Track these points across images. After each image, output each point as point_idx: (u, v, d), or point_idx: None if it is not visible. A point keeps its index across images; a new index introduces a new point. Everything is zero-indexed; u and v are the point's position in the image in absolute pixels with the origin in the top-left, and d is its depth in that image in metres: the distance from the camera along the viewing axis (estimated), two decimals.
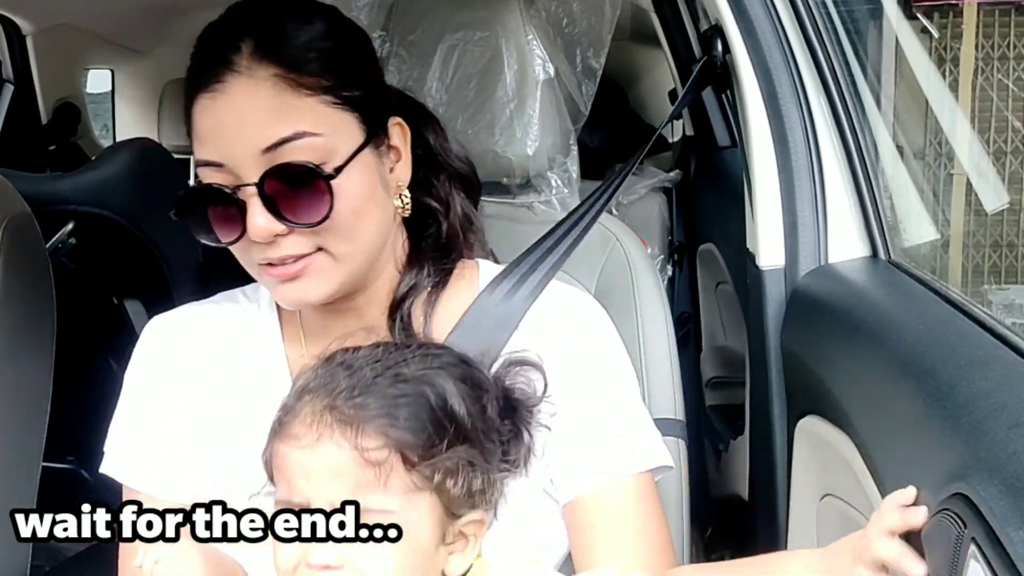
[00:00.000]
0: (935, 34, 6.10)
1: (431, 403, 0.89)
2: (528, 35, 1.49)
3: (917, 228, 1.50)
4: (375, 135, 1.00)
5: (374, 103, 1.01)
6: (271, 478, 0.92)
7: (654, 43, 2.67)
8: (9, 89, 2.46)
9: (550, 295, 1.10)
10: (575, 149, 1.61)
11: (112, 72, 3.11)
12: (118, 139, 3.04)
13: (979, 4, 5.97)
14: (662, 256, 2.58)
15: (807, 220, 1.27)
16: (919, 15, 6.04)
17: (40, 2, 2.37)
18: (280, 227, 0.95)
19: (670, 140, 3.28)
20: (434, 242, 1.10)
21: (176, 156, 2.58)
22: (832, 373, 1.10)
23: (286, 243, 0.96)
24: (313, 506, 0.85)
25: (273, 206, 0.94)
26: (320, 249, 0.98)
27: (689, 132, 2.61)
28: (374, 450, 0.85)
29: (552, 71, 1.50)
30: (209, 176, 0.97)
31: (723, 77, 1.41)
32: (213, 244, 0.99)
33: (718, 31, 1.35)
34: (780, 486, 1.26)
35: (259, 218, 0.94)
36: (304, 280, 0.98)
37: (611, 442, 1.02)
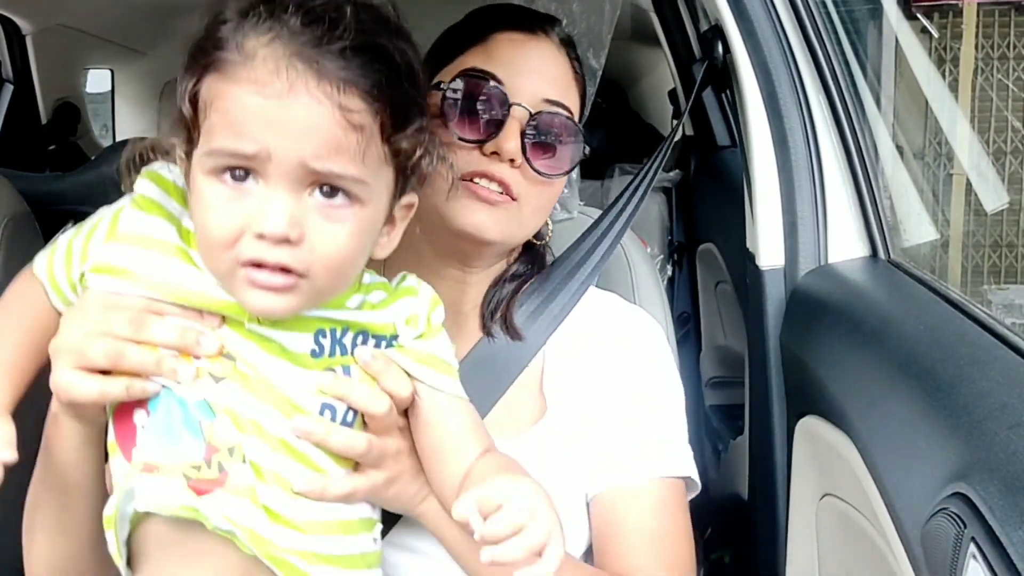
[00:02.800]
0: (935, 34, 6.09)
1: (404, 73, 0.83)
2: None
3: (917, 228, 1.50)
4: None
5: None
6: (191, 122, 0.83)
7: (654, 43, 2.66)
8: (9, 89, 2.46)
9: (608, 306, 1.16)
10: None
11: (112, 72, 3.10)
12: (118, 139, 3.04)
13: (979, 4, 5.96)
14: (662, 256, 2.58)
15: (807, 220, 1.27)
16: (919, 15, 6.04)
17: (40, 2, 2.37)
18: (520, 158, 1.04)
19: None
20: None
21: None
22: (832, 373, 1.10)
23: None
24: (275, 159, 0.78)
25: (531, 139, 1.04)
26: None
27: (689, 132, 2.61)
28: (357, 112, 0.79)
29: None
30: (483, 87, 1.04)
31: (723, 77, 1.41)
32: (460, 136, 1.03)
33: (718, 31, 1.35)
34: (779, 486, 1.26)
35: (512, 141, 1.03)
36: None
37: (649, 444, 1.07)
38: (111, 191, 0.91)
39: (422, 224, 1.01)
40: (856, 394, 1.03)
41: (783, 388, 1.27)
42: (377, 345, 0.90)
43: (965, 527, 0.70)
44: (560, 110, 1.08)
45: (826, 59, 1.29)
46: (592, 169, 2.53)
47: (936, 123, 6.18)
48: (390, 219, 0.89)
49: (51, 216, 1.73)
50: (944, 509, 0.73)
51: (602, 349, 1.12)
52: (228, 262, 0.81)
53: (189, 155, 0.83)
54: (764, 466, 1.30)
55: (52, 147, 2.67)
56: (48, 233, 1.78)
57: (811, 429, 1.15)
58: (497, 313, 1.11)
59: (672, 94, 2.68)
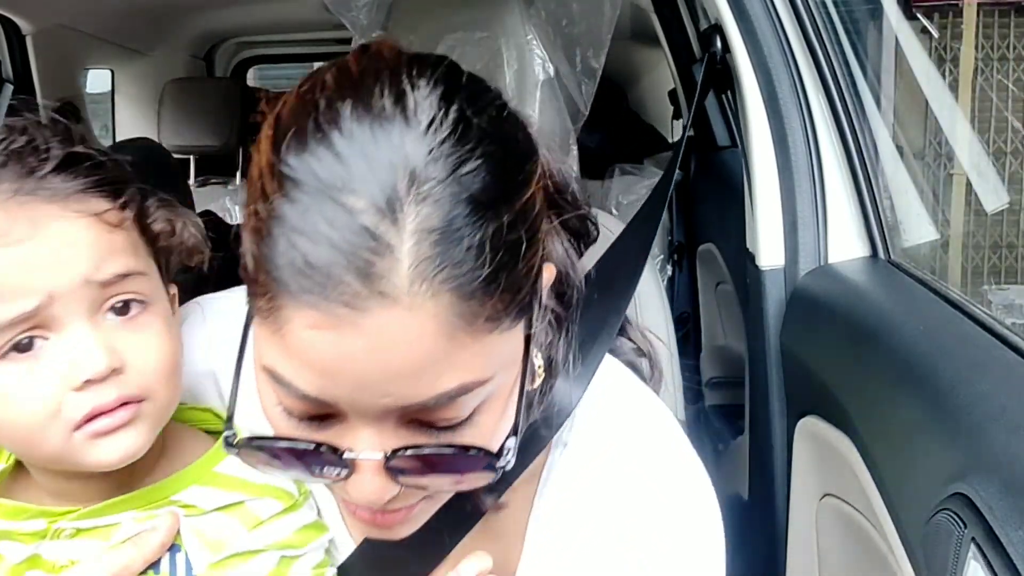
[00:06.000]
0: (935, 34, 6.09)
1: (90, 154, 0.75)
2: (528, 35, 1.50)
3: (917, 228, 1.50)
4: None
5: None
6: None
7: (654, 43, 2.66)
8: (9, 89, 2.46)
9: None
10: (575, 149, 1.61)
11: (112, 72, 3.10)
12: (118, 139, 3.04)
13: (979, 4, 5.96)
14: (662, 256, 2.58)
15: (807, 220, 1.27)
16: (919, 15, 6.04)
17: (40, 2, 2.37)
18: (395, 489, 0.65)
19: (670, 140, 3.28)
20: None
21: (176, 156, 2.58)
22: (832, 373, 1.10)
23: (398, 499, 0.67)
24: (58, 301, 0.69)
25: (402, 473, 0.64)
26: (426, 498, 0.72)
27: (689, 132, 2.61)
28: (111, 211, 0.73)
29: (552, 71, 1.51)
30: (291, 400, 0.63)
31: (723, 77, 1.41)
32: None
33: (718, 31, 1.35)
34: (779, 486, 1.26)
35: (371, 484, 0.64)
36: (398, 528, 0.72)
37: None
38: None
39: None
40: (856, 394, 1.03)
41: (783, 388, 1.27)
42: None
43: (965, 527, 0.70)
44: (445, 416, 0.63)
45: (826, 59, 1.29)
46: (592, 169, 2.54)
47: (936, 123, 6.19)
48: (167, 284, 0.81)
49: None
50: (944, 509, 0.73)
51: (610, 517, 0.79)
52: (58, 436, 0.70)
53: None
54: (764, 466, 1.30)
55: None
56: None
57: (811, 429, 1.15)
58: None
59: (672, 94, 2.68)
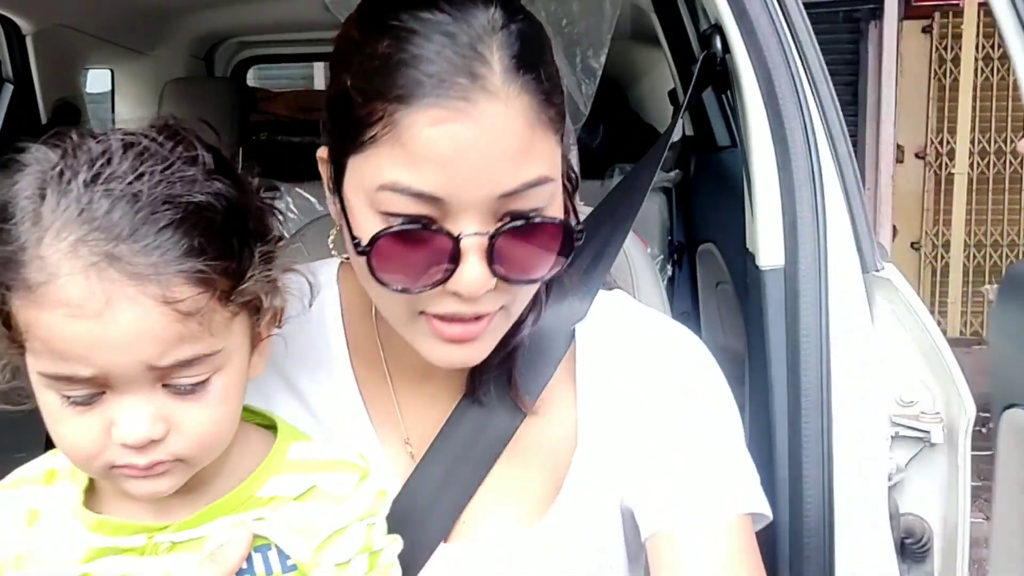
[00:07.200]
0: (935, 34, 6.10)
1: (225, 221, 0.73)
2: None
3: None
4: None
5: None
6: (10, 333, 0.72)
7: (654, 43, 2.66)
8: (9, 89, 2.46)
9: (624, 321, 1.02)
10: (575, 149, 1.61)
11: (112, 72, 3.10)
12: None
13: (979, 4, 5.96)
14: (662, 256, 2.58)
15: (807, 220, 1.27)
16: (919, 16, 6.05)
17: (40, 2, 2.37)
18: (492, 283, 0.82)
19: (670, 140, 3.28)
20: None
21: None
22: None
23: (487, 299, 0.84)
24: (114, 374, 0.70)
25: (500, 258, 0.82)
26: (503, 307, 0.88)
27: (689, 132, 2.60)
28: (189, 300, 0.70)
29: None
30: (406, 206, 0.80)
31: (723, 77, 1.41)
32: (395, 288, 0.83)
33: (718, 31, 1.35)
34: (780, 486, 1.26)
35: (476, 270, 0.81)
36: (475, 344, 0.87)
37: (696, 480, 0.93)
38: None
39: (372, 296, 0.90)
40: None
41: (783, 387, 1.26)
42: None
43: None
44: (526, 207, 0.81)
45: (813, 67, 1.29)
46: (592, 169, 2.54)
47: (936, 123, 6.19)
48: (256, 342, 0.82)
49: None
50: None
51: (644, 373, 0.98)
52: (100, 468, 0.75)
53: (14, 352, 0.74)
54: (764, 466, 1.30)
55: None
56: None
57: (1017, 421, 1.12)
58: (489, 381, 0.96)
59: (672, 94, 2.68)
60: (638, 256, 1.34)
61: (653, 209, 2.53)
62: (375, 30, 0.81)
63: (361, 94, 0.80)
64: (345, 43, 0.85)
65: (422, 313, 0.86)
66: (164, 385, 0.73)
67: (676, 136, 3.13)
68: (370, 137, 0.79)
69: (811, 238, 1.26)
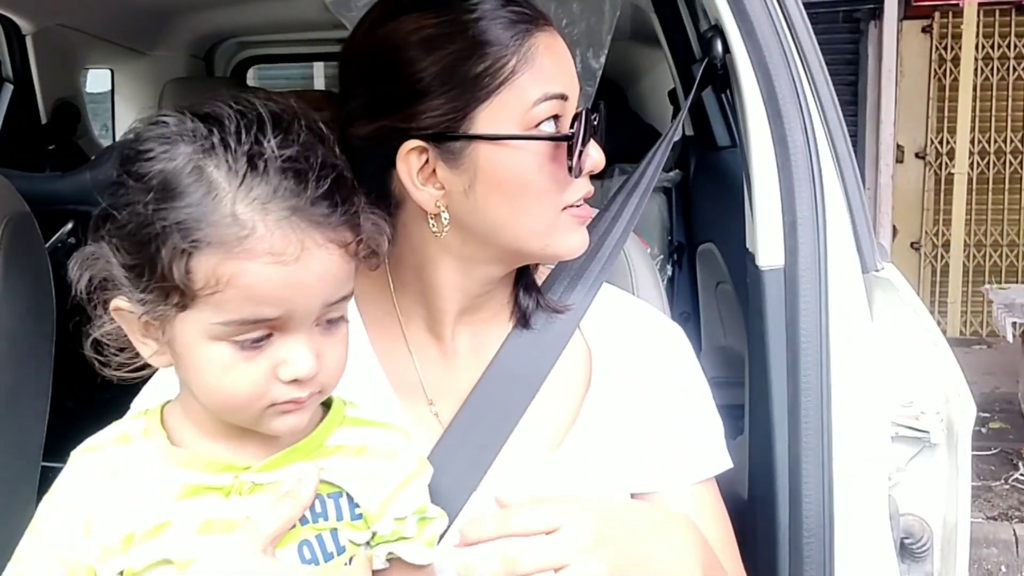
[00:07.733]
0: (935, 34, 6.10)
1: (347, 176, 0.84)
2: None
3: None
4: None
5: None
6: (184, 291, 0.79)
7: (654, 43, 2.67)
8: (9, 89, 2.46)
9: (624, 306, 1.16)
10: None
11: (112, 72, 3.11)
12: (118, 139, 3.04)
13: (979, 4, 5.96)
14: (662, 256, 2.58)
15: (807, 220, 1.27)
16: (919, 15, 6.05)
17: (40, 2, 2.37)
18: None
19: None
20: None
21: None
22: None
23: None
24: (298, 314, 0.80)
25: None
26: None
27: (689, 132, 2.61)
28: (353, 243, 0.83)
29: None
30: (553, 108, 0.97)
31: (723, 77, 1.41)
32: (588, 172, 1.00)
33: (718, 31, 1.35)
34: (780, 486, 1.26)
35: (599, 153, 1.00)
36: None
37: (678, 447, 1.09)
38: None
39: (477, 244, 1.01)
40: None
41: (784, 387, 1.26)
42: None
43: None
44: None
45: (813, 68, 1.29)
46: None
47: (936, 123, 6.19)
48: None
49: (51, 216, 1.73)
50: None
51: (639, 348, 1.13)
52: (254, 411, 0.83)
53: (162, 314, 0.81)
54: (764, 466, 1.30)
55: (52, 147, 2.67)
56: (48, 233, 1.78)
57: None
58: (532, 294, 1.09)
59: (672, 94, 2.68)
60: (638, 256, 1.34)
61: (653, 209, 2.54)
62: (444, 12, 0.97)
63: (450, 72, 0.94)
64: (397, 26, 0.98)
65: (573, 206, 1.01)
66: (316, 324, 0.83)
67: (676, 136, 3.13)
68: (485, 105, 0.95)
69: (811, 238, 1.26)
